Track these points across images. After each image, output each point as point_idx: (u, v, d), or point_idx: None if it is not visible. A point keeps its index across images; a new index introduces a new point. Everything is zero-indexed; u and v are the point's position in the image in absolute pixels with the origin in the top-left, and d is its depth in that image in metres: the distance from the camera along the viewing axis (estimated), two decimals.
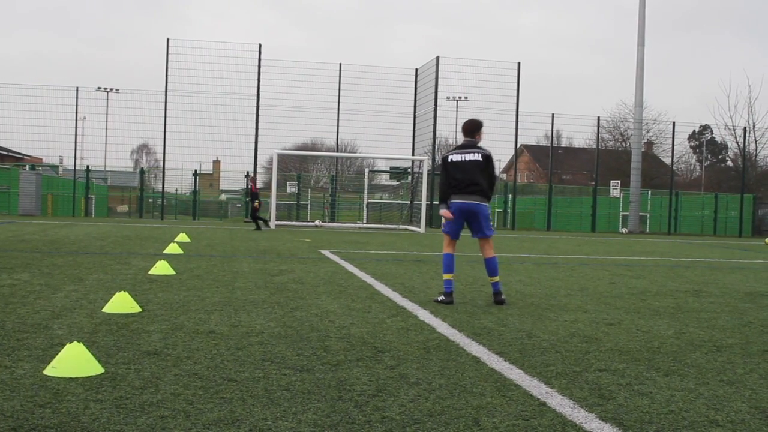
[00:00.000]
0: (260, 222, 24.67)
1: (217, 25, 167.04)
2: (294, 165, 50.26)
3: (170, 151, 33.10)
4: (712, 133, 66.83)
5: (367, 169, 40.01)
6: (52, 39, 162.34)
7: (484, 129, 7.77)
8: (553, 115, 36.13)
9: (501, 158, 50.30)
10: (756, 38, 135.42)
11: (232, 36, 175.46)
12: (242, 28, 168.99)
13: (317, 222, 30.92)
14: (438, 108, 33.87)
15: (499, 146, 36.21)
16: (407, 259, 13.45)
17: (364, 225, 31.42)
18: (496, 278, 7.57)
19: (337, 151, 39.39)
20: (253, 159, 33.83)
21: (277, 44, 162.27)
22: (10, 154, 47.23)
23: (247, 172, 25.20)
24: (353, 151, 57.03)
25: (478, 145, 7.70)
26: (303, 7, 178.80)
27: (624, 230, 36.92)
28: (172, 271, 9.40)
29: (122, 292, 6.49)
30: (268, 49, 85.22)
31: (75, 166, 34.98)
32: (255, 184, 25.32)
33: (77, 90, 33.44)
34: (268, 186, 36.58)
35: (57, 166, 38.14)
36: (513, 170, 40.15)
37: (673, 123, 38.90)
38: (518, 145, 37.25)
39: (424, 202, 28.51)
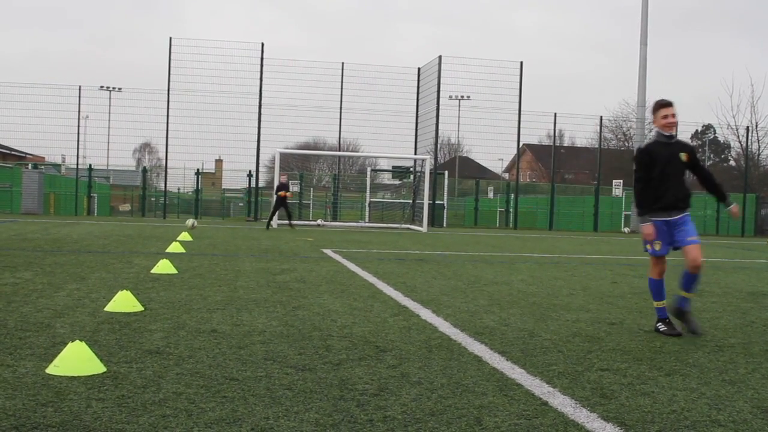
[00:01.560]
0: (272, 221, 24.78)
1: (216, 24, 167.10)
2: (296, 164, 50.27)
3: (172, 149, 33.14)
4: (714, 133, 66.68)
5: (369, 168, 40.05)
6: (53, 37, 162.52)
7: (662, 111, 6.18)
8: (555, 114, 36.14)
9: (503, 158, 50.32)
10: (759, 37, 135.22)
11: (232, 35, 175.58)
12: (242, 28, 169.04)
13: (319, 221, 30.93)
14: (440, 107, 33.88)
15: (501, 145, 36.27)
16: (409, 258, 13.44)
17: (366, 224, 31.43)
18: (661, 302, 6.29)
19: (340, 150, 39.40)
20: (255, 158, 33.88)
21: (278, 43, 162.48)
22: (13, 152, 47.28)
23: (281, 182, 25.05)
24: (355, 150, 57.01)
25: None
26: (304, 6, 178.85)
27: (626, 230, 36.89)
28: (174, 270, 9.40)
29: (124, 290, 6.49)
30: (270, 48, 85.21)
31: (77, 164, 35.00)
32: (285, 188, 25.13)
33: (80, 89, 33.49)
34: (270, 185, 36.60)
35: (59, 165, 38.17)
36: (515, 169, 40.12)
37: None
38: (520, 145, 37.24)
39: (426, 202, 28.51)
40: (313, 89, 34.77)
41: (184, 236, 16.84)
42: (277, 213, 25.21)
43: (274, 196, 24.92)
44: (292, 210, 25.89)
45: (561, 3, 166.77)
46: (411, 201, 34.05)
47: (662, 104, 6.20)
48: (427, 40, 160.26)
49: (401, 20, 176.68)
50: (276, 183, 25.54)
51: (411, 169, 35.41)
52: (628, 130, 53.47)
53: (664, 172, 6.11)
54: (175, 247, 13.08)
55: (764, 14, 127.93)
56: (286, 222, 25.07)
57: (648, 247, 6.23)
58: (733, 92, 77.55)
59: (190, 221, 17.83)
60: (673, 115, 6.14)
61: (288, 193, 24.79)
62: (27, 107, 33.02)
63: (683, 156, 6.19)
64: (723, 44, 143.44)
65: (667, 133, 6.20)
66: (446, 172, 38.96)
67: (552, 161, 38.99)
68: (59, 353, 4.27)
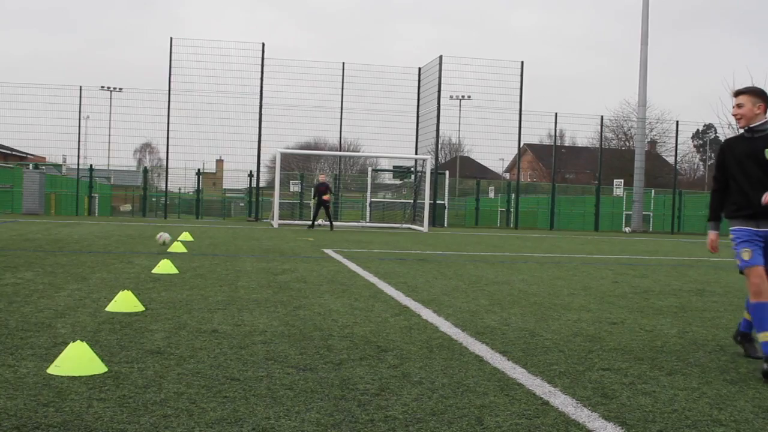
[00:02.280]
0: (319, 222, 25.27)
1: (216, 24, 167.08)
2: (297, 164, 50.32)
3: (173, 150, 33.15)
4: (715, 132, 66.79)
5: (370, 168, 40.03)
6: (54, 38, 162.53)
7: (733, 101, 5.22)
8: (556, 114, 36.13)
9: (504, 157, 50.29)
10: (759, 37, 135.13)
11: (232, 35, 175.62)
12: (242, 28, 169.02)
13: (320, 221, 30.94)
14: (441, 107, 33.88)
15: (502, 145, 36.25)
16: (410, 258, 13.44)
17: (367, 224, 31.43)
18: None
19: (340, 150, 39.40)
20: (256, 158, 33.90)
21: (278, 43, 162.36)
22: (14, 153, 47.31)
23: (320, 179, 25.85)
24: (356, 150, 57.03)
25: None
26: (303, 7, 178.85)
27: (627, 229, 36.87)
28: (175, 270, 9.40)
29: (125, 291, 6.49)
30: (270, 48, 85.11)
31: (78, 165, 35.01)
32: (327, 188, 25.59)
33: (80, 89, 33.50)
34: (271, 185, 36.62)
35: (60, 165, 38.17)
36: (516, 169, 40.11)
37: (677, 122, 38.88)
38: (521, 144, 37.23)
39: (427, 201, 28.52)
40: (313, 89, 34.80)
41: (185, 236, 16.83)
42: (318, 213, 25.77)
43: (315, 198, 25.46)
44: (331, 211, 26.52)
45: (561, 3, 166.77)
46: (412, 201, 34.06)
47: (733, 93, 5.22)
48: (427, 40, 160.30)
49: (402, 20, 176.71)
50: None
51: (412, 169, 35.42)
52: (629, 129, 53.47)
53: (742, 172, 5.07)
54: (176, 247, 13.08)
55: (765, 14, 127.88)
56: (326, 223, 25.62)
57: (738, 261, 5.02)
58: None
59: (161, 236, 13.55)
60: (739, 106, 5.09)
61: (326, 196, 25.21)
62: (28, 107, 33.05)
63: None
64: (724, 44, 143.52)
65: (741, 127, 5.16)
66: (447, 172, 38.96)
67: (553, 161, 38.98)
68: (60, 353, 4.27)
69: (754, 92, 5.12)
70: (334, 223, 26.63)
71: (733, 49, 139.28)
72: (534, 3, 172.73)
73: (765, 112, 5.07)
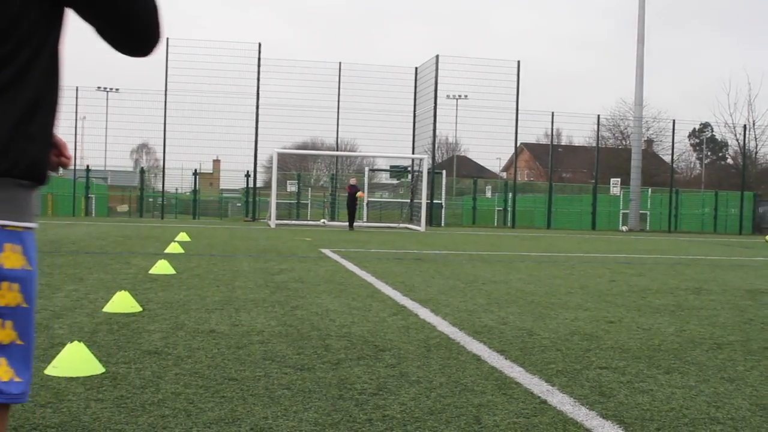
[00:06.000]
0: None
1: (211, 24, 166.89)
2: (294, 164, 50.29)
3: (170, 150, 33.19)
4: (712, 131, 66.85)
5: (367, 168, 40.05)
6: None
7: None
8: (552, 113, 36.18)
9: (501, 156, 50.37)
10: (755, 36, 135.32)
11: (227, 35, 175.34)
12: (238, 28, 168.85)
13: (323, 221, 30.96)
14: (438, 106, 33.89)
15: (499, 144, 36.31)
16: (408, 257, 13.45)
17: (365, 224, 31.43)
18: None
19: (337, 150, 39.40)
20: (253, 158, 33.88)
21: (274, 43, 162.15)
22: None
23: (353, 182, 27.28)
24: (353, 150, 57.01)
25: None
26: (301, 7, 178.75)
27: (624, 228, 36.92)
28: (172, 271, 9.39)
29: (123, 291, 6.49)
30: (267, 48, 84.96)
31: (75, 165, 34.99)
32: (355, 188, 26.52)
33: (77, 89, 33.46)
34: (268, 185, 36.61)
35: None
36: (513, 168, 40.16)
37: (673, 121, 38.98)
38: (518, 144, 37.27)
39: (424, 201, 28.52)
40: (310, 89, 34.83)
41: (182, 237, 16.81)
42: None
43: (350, 198, 26.52)
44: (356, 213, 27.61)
45: (559, 2, 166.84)
46: (409, 200, 34.07)
47: None
48: (424, 39, 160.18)
49: (399, 20, 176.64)
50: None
51: (409, 169, 35.44)
52: (626, 128, 53.52)
53: None
54: (173, 248, 13.07)
55: (760, 13, 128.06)
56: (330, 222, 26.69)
57: None
58: (731, 90, 77.68)
59: None
60: None
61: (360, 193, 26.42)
62: None
63: None
64: (720, 43, 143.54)
65: None
66: (444, 172, 38.98)
67: (550, 160, 39.02)
68: (58, 354, 4.26)
69: None
70: (336, 223, 26.98)
71: (729, 48, 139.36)
72: (531, 1, 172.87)
73: None
